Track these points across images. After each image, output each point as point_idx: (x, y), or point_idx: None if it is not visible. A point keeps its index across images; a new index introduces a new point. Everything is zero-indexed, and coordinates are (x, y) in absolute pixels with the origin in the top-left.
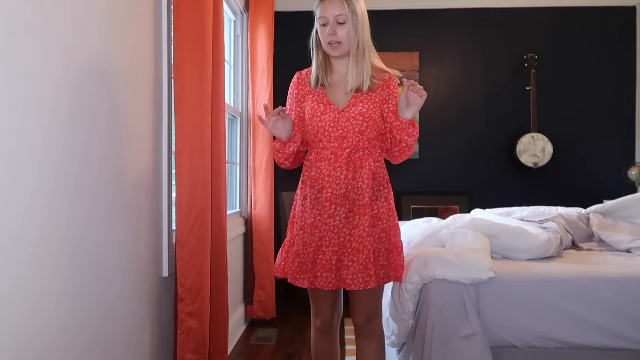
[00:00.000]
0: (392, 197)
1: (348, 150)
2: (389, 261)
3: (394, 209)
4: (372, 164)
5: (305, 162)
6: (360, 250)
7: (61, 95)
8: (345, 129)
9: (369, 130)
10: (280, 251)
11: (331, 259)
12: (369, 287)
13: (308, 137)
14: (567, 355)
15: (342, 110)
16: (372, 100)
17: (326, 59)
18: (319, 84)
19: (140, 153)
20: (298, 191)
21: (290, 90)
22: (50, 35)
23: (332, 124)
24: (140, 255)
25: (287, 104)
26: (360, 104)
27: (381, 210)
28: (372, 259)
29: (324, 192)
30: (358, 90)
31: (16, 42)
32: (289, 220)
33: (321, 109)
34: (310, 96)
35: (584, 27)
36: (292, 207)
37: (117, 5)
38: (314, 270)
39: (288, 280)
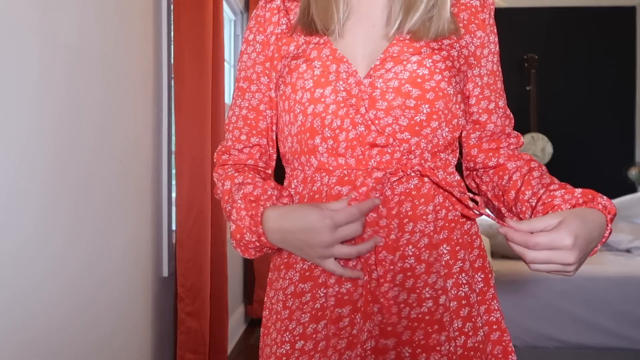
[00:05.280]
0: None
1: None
2: None
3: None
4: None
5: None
6: None
7: (60, 94)
8: (378, 124)
9: (435, 122)
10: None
11: None
12: None
13: (285, 143)
14: (567, 355)
15: (369, 79)
16: (438, 55)
17: None
18: (318, 26)
19: (140, 153)
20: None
21: (248, 39)
22: (49, 34)
23: (344, 112)
24: (140, 255)
25: (242, 68)
26: (409, 64)
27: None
28: None
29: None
30: (415, 33)
31: (15, 42)
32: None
33: (321, 80)
34: (295, 51)
35: (584, 27)
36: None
37: (117, 5)
38: None
39: None
